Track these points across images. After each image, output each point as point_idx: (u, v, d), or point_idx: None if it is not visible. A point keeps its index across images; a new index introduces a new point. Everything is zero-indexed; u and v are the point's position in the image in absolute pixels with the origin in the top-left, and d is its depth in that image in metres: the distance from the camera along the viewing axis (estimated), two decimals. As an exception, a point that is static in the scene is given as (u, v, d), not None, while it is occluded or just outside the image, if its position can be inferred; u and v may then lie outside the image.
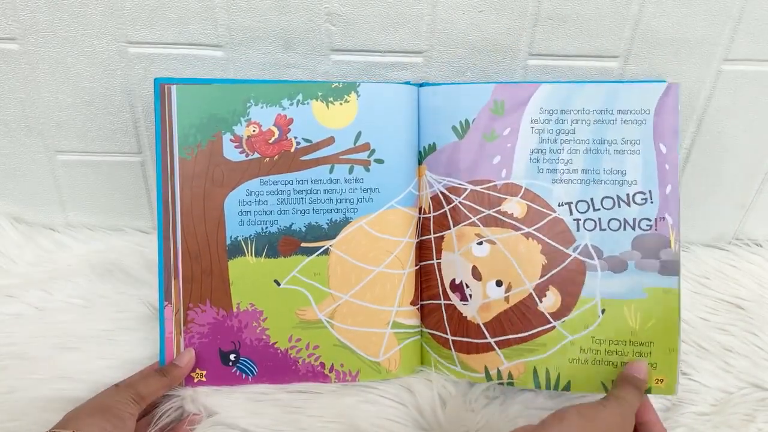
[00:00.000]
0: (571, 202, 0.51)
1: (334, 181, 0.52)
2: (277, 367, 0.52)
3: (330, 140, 0.52)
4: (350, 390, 0.52)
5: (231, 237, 0.51)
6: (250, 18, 0.52)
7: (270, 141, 0.51)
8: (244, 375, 0.52)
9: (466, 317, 0.52)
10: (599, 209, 0.51)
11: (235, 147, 0.51)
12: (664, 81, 0.54)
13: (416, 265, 0.54)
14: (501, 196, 0.51)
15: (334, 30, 0.53)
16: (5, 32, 0.53)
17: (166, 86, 0.50)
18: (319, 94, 0.51)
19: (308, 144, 0.52)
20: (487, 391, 0.52)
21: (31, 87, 0.56)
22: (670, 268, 0.49)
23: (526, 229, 0.51)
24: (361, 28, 0.53)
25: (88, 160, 0.61)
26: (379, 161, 0.52)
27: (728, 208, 0.65)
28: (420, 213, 0.54)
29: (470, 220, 0.52)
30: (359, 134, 0.52)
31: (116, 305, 0.58)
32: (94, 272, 0.61)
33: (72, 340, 0.55)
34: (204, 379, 0.52)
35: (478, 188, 0.52)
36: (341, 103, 0.51)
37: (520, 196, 0.51)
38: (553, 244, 0.51)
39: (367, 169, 0.52)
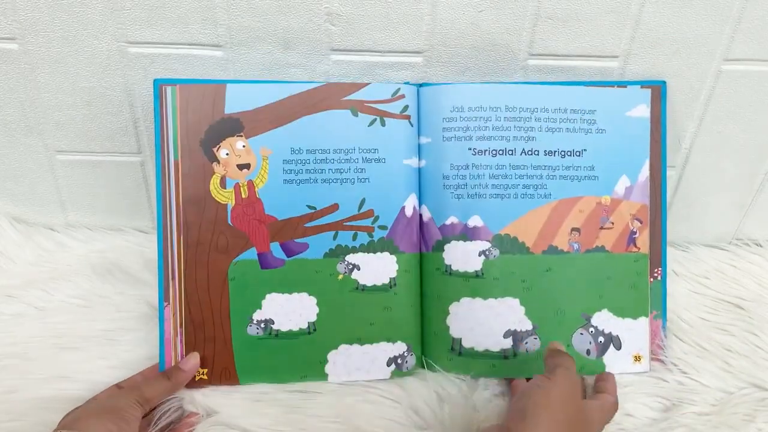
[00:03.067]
0: None
1: None
2: None
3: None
4: (350, 390, 0.52)
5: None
6: (250, 18, 0.52)
7: None
8: None
9: None
10: None
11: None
12: (664, 81, 0.55)
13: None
14: None
15: (334, 30, 0.53)
16: (5, 32, 0.53)
17: (163, 87, 0.50)
18: None
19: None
20: (488, 389, 0.52)
21: (31, 87, 0.56)
22: None
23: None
24: (361, 28, 0.53)
25: (88, 160, 0.61)
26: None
27: (728, 208, 0.65)
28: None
29: None
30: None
31: (116, 305, 0.58)
32: (94, 272, 0.61)
33: (72, 340, 0.55)
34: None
35: None
36: None
37: None
38: None
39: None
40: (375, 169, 0.52)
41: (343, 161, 0.52)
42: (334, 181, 0.52)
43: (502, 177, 0.53)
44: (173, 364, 0.51)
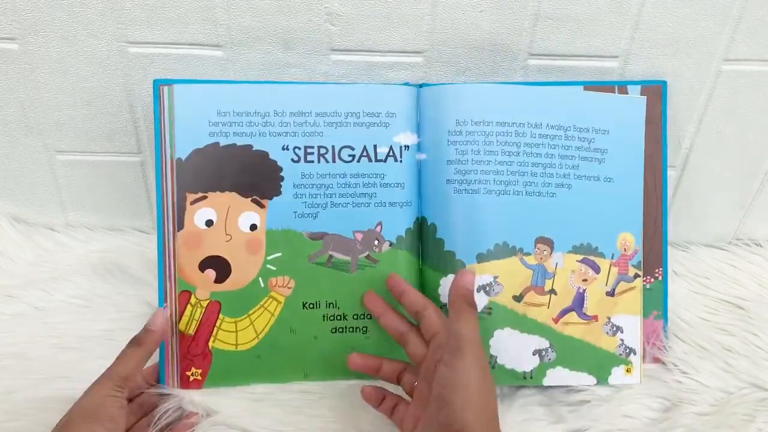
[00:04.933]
0: None
1: None
2: None
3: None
4: (350, 390, 0.52)
5: None
6: (250, 18, 0.52)
7: None
8: None
9: None
10: None
11: None
12: (664, 81, 0.55)
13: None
14: None
15: (334, 30, 0.53)
16: (5, 32, 0.53)
17: (162, 88, 0.50)
18: None
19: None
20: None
21: (31, 87, 0.56)
22: None
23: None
24: (361, 28, 0.53)
25: (88, 160, 0.61)
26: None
27: (728, 208, 0.65)
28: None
29: None
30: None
31: (116, 305, 0.58)
32: (94, 272, 0.61)
33: (72, 340, 0.55)
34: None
35: None
36: None
37: None
38: None
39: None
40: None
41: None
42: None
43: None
44: (172, 365, 0.51)
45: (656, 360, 0.55)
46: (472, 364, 0.40)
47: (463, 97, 0.52)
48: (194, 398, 0.50)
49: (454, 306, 0.44)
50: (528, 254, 0.52)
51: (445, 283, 0.52)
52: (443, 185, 0.52)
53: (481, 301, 0.51)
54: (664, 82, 0.54)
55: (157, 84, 0.50)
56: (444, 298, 0.52)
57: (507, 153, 0.52)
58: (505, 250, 0.52)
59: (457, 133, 0.52)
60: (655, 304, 0.55)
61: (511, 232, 0.52)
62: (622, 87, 0.54)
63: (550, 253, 0.53)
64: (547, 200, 0.52)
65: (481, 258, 0.52)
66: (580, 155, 0.53)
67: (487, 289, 0.52)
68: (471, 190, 0.52)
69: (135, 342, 0.47)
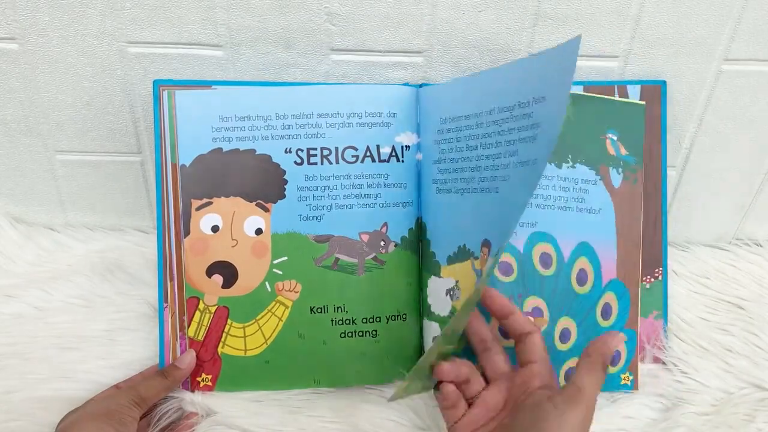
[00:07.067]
0: None
1: None
2: None
3: None
4: (350, 390, 0.52)
5: None
6: (250, 18, 0.52)
7: None
8: None
9: None
10: None
11: None
12: (664, 81, 0.55)
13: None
14: None
15: (334, 30, 0.53)
16: (5, 32, 0.53)
17: (162, 90, 0.50)
18: None
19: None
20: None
21: (31, 87, 0.56)
22: None
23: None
24: (361, 28, 0.53)
25: (87, 160, 0.61)
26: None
27: (728, 208, 0.65)
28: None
29: None
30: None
31: (116, 305, 0.58)
32: (94, 272, 0.61)
33: (72, 340, 0.55)
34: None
35: None
36: None
37: None
38: None
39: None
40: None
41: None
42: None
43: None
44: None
45: (656, 360, 0.55)
46: (581, 418, 0.39)
47: (447, 94, 0.51)
48: (194, 398, 0.50)
49: (591, 357, 0.41)
50: (477, 258, 0.47)
51: (432, 284, 0.52)
52: (431, 185, 0.52)
53: (446, 305, 0.50)
54: (664, 82, 0.54)
55: (157, 85, 0.51)
56: (431, 299, 0.52)
57: (470, 148, 0.47)
58: (464, 254, 0.48)
59: (441, 131, 0.51)
60: (655, 303, 0.55)
61: (466, 235, 0.48)
62: (622, 87, 0.54)
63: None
64: (490, 197, 0.45)
65: (450, 260, 0.49)
66: (520, 137, 0.42)
67: (451, 294, 0.50)
68: (446, 189, 0.50)
69: (161, 373, 0.49)
